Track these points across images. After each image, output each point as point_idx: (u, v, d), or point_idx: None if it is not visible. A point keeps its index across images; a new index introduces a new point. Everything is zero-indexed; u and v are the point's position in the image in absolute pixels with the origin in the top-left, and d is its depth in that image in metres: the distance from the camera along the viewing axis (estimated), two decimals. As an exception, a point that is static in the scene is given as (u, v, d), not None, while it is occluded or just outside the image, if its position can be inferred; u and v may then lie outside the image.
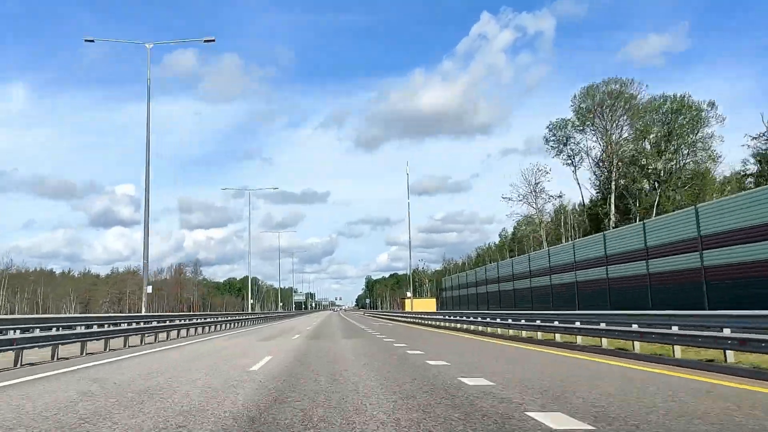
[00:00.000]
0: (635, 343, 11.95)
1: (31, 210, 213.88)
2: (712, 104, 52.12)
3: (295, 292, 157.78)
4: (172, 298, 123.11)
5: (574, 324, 15.29)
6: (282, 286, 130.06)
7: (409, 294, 61.61)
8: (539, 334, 17.14)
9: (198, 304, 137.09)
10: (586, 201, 60.07)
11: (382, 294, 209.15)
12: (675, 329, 10.86)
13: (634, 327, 12.25)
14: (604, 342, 13.39)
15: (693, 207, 18.91)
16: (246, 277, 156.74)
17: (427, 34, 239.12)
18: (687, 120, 52.07)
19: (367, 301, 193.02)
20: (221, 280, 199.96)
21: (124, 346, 16.37)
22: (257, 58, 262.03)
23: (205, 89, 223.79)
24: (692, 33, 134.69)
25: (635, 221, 42.67)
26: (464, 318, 27.72)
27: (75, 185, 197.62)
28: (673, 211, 33.47)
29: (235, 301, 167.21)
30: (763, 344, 8.44)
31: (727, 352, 9.45)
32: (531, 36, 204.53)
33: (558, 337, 15.87)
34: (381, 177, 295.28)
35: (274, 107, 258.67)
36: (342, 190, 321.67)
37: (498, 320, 21.83)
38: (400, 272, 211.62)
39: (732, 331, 9.39)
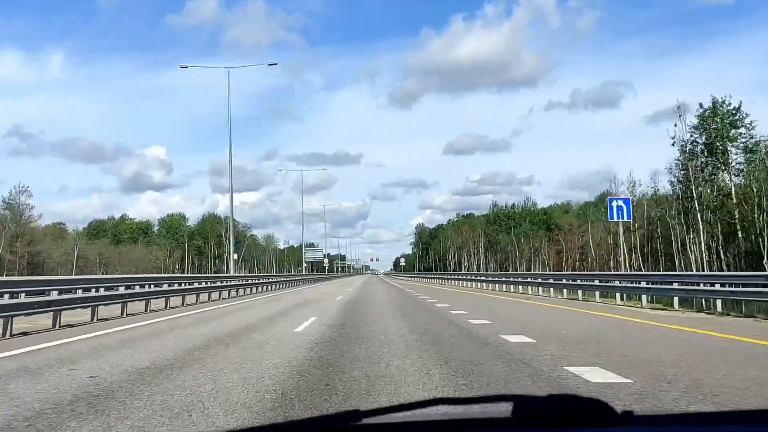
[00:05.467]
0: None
1: (63, 174, 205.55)
2: None
3: (311, 247, 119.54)
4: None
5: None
6: (297, 244, 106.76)
7: None
8: None
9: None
10: None
11: (451, 245, 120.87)
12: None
13: None
14: None
15: None
16: (217, 218, 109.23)
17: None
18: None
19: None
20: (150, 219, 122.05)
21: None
22: (283, 4, 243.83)
23: (230, 40, 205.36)
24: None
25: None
26: None
27: (105, 148, 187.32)
28: None
29: (146, 258, 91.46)
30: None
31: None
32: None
33: None
34: (416, 136, 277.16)
35: (303, 60, 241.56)
36: (375, 151, 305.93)
37: None
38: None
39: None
